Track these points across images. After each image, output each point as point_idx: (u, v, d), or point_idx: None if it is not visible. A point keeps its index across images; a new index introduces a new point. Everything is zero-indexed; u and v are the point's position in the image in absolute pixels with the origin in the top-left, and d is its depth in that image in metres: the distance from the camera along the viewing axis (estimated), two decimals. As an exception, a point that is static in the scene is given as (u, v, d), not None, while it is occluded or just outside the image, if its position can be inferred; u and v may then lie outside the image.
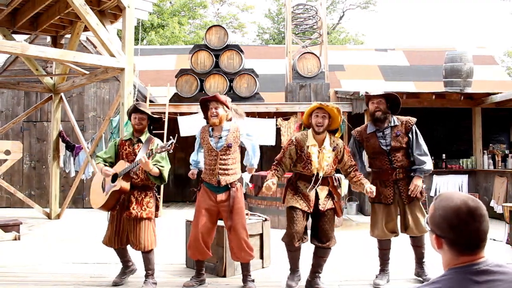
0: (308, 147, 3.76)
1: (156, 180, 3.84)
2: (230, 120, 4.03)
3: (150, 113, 3.98)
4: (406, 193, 3.96)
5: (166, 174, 3.83)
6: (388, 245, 4.08)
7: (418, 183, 3.94)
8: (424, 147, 4.00)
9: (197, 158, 4.22)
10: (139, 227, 3.77)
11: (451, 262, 1.38)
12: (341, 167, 3.92)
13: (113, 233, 3.85)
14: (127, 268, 4.01)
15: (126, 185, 3.73)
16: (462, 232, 1.34)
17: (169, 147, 3.64)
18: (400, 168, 3.97)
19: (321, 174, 3.76)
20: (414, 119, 4.06)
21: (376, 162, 4.08)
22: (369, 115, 4.10)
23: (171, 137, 3.74)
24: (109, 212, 3.90)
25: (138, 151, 3.84)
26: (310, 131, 3.84)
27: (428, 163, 3.95)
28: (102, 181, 3.91)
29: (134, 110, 3.95)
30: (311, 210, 3.77)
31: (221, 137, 3.89)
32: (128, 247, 3.95)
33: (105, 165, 3.88)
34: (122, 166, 3.79)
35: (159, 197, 4.15)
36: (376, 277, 4.08)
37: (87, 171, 8.38)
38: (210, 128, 3.96)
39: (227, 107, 3.95)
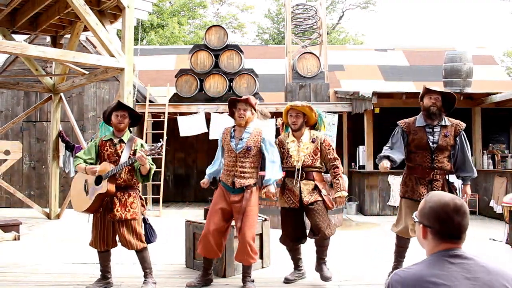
0: (287, 143, 4.05)
1: (141, 179, 3.80)
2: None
3: (133, 109, 3.93)
4: None
5: (152, 173, 3.81)
6: (407, 244, 4.03)
7: (469, 192, 4.07)
8: (469, 152, 4.01)
9: (213, 169, 4.13)
10: (125, 228, 3.73)
11: (432, 249, 1.59)
12: (323, 159, 4.05)
13: (98, 236, 3.79)
14: (105, 278, 3.90)
15: (112, 187, 3.66)
16: (446, 224, 1.56)
17: (159, 150, 3.59)
18: (439, 169, 3.91)
19: (299, 165, 3.93)
20: (464, 124, 4.04)
21: (416, 158, 3.97)
22: (423, 109, 4.00)
23: (160, 139, 3.72)
24: (91, 215, 3.84)
25: (121, 152, 3.76)
26: (290, 131, 4.13)
27: (472, 167, 4.00)
28: (84, 184, 3.81)
29: (117, 107, 3.85)
30: (298, 205, 3.94)
31: (241, 139, 3.91)
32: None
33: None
34: (106, 167, 3.69)
35: (144, 197, 4.10)
36: (389, 275, 3.99)
37: (86, 171, 8.37)
38: (233, 129, 4.01)
39: (255, 110, 4.00)
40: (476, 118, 8.98)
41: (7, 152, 6.91)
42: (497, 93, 8.24)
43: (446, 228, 1.56)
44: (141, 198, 3.95)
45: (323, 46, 10.87)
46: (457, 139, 3.97)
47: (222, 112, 8.96)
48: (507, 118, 10.43)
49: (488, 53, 13.65)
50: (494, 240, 5.98)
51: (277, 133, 9.14)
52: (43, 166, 10.00)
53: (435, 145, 3.90)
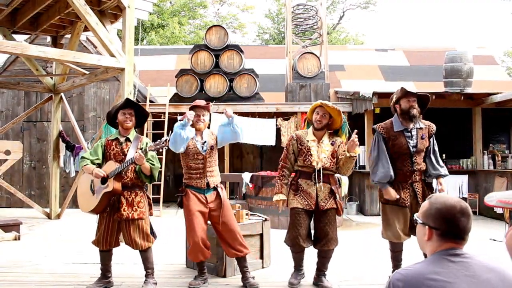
0: (308, 141, 3.91)
1: (146, 179, 3.81)
2: None
3: (141, 107, 3.94)
4: (422, 194, 3.91)
5: (156, 172, 3.82)
6: (401, 247, 4.00)
7: (444, 183, 3.97)
8: (438, 154, 4.06)
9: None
10: (132, 228, 3.73)
11: (435, 249, 1.61)
12: (337, 158, 3.92)
13: (102, 235, 3.78)
14: (105, 278, 3.90)
15: (118, 186, 3.66)
16: (453, 225, 1.58)
17: (163, 144, 3.64)
18: (418, 171, 3.93)
19: (319, 165, 3.82)
20: (434, 126, 4.06)
21: (397, 163, 3.94)
22: (401, 112, 3.92)
23: (165, 134, 3.76)
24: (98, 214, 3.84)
25: (127, 151, 3.76)
26: (311, 129, 4.00)
27: (444, 169, 4.00)
28: (90, 184, 3.80)
29: (125, 104, 3.85)
30: (313, 207, 3.83)
31: (205, 142, 4.00)
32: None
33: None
34: (111, 166, 3.70)
35: (151, 196, 4.10)
36: (389, 278, 4.01)
37: (87, 171, 8.37)
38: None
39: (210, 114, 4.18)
40: (477, 118, 8.97)
41: (7, 152, 6.91)
42: (497, 93, 8.24)
43: (452, 229, 1.58)
44: (148, 198, 3.94)
45: (324, 46, 10.87)
46: (431, 140, 3.99)
47: (222, 112, 8.95)
48: (507, 118, 10.43)
49: (489, 53, 13.65)
50: (494, 240, 5.99)
51: (277, 133, 9.20)
52: (44, 166, 10.00)
53: (414, 149, 3.90)
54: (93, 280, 3.98)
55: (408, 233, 3.95)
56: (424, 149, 3.96)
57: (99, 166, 3.82)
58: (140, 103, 9.46)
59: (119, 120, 3.87)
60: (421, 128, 3.96)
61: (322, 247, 3.85)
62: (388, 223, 3.95)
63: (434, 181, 4.06)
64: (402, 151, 3.90)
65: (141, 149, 3.74)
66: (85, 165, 3.78)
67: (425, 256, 3.68)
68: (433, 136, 4.01)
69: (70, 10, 6.68)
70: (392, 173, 3.89)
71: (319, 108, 3.91)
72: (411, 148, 3.90)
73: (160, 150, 3.76)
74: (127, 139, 3.85)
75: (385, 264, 4.40)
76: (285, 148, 4.06)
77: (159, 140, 3.67)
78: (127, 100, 3.91)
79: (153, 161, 3.79)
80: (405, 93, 3.92)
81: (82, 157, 3.85)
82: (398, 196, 3.85)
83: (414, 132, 3.93)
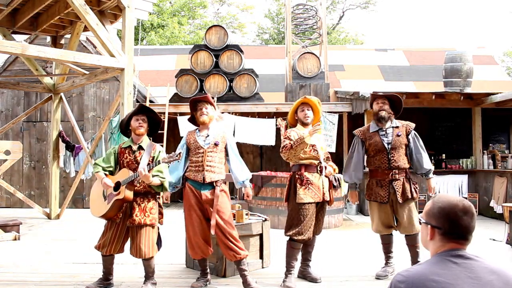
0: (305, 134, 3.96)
1: (157, 189, 3.80)
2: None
3: (155, 113, 3.93)
4: (401, 192, 4.10)
5: (167, 184, 3.79)
6: (388, 240, 4.29)
7: (433, 184, 4.24)
8: (423, 149, 4.24)
9: (175, 176, 4.02)
10: (141, 233, 3.70)
11: (437, 249, 1.60)
12: None
13: (108, 240, 3.75)
14: (106, 280, 3.89)
15: (130, 194, 3.65)
16: (456, 224, 1.57)
17: (176, 158, 3.60)
18: (397, 168, 4.13)
19: (323, 158, 4.03)
20: (413, 124, 4.31)
21: (375, 161, 4.22)
22: (373, 115, 4.29)
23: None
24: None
25: (140, 159, 3.73)
26: (299, 126, 4.12)
27: (427, 162, 4.22)
28: (103, 189, 3.80)
29: (138, 110, 3.83)
30: (321, 199, 3.97)
31: (208, 136, 3.99)
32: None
33: (105, 174, 3.79)
34: (125, 174, 3.69)
35: (160, 202, 4.07)
36: (380, 269, 4.27)
37: (87, 171, 8.38)
38: (197, 130, 4.07)
39: (215, 108, 4.14)
40: (476, 118, 8.98)
41: (7, 152, 6.90)
42: (497, 93, 8.24)
43: (455, 229, 1.57)
44: (160, 206, 3.92)
45: (323, 46, 10.87)
46: (409, 137, 4.22)
47: (223, 112, 8.95)
48: (507, 118, 10.44)
49: (488, 53, 13.66)
50: (494, 240, 5.99)
51: (277, 133, 9.19)
52: (43, 166, 10.00)
53: (389, 146, 4.15)
54: (93, 280, 3.98)
55: (393, 225, 4.21)
56: (402, 146, 4.18)
57: (112, 173, 3.82)
58: (140, 104, 9.50)
59: (132, 126, 3.85)
60: (397, 127, 4.24)
61: (315, 234, 4.07)
62: (372, 217, 4.31)
63: (433, 181, 4.29)
64: (378, 148, 4.19)
65: (153, 158, 3.72)
66: (97, 172, 3.80)
67: None
68: (413, 134, 4.24)
69: (69, 10, 6.67)
70: (358, 178, 4.28)
71: (303, 105, 4.08)
72: (386, 144, 4.16)
73: (172, 164, 3.83)
74: (140, 147, 3.82)
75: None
76: (286, 140, 3.95)
77: (173, 153, 3.63)
78: (142, 106, 3.89)
79: (162, 175, 3.74)
80: (374, 97, 4.30)
81: (95, 163, 3.86)
82: (357, 202, 4.54)
83: (389, 131, 4.22)
